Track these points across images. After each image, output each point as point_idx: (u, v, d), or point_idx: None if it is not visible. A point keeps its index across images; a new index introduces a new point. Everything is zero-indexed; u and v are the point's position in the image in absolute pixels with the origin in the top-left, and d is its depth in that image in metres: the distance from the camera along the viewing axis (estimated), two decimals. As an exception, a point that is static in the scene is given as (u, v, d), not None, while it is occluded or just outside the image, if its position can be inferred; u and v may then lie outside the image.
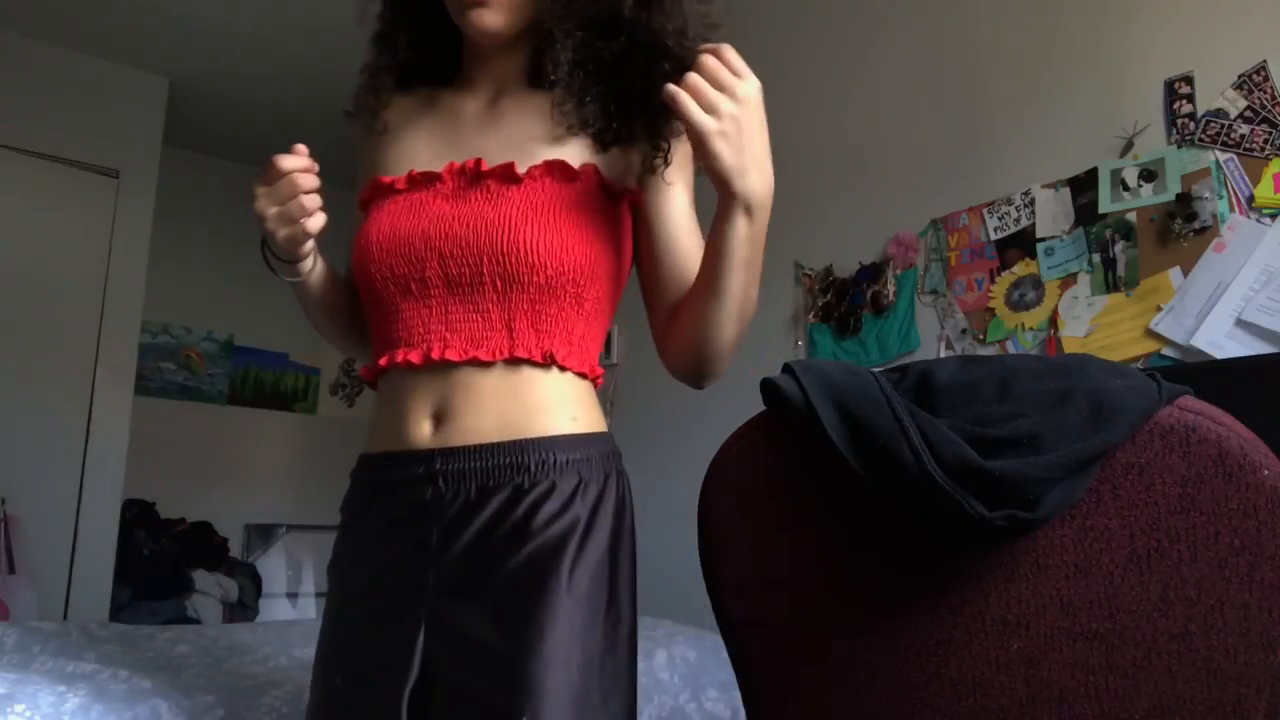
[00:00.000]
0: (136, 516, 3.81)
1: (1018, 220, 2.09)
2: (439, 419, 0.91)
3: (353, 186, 1.06)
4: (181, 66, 3.78)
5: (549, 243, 0.90)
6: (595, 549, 0.88)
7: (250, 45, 3.61)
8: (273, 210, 0.90)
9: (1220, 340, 1.68)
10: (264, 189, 0.90)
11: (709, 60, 0.83)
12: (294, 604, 4.53)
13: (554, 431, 0.91)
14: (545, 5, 0.96)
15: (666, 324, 0.99)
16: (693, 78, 0.82)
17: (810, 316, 2.59)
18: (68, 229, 3.57)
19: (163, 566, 3.69)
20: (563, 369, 0.93)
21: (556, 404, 0.92)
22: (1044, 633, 0.72)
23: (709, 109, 0.81)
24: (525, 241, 0.90)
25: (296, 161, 0.89)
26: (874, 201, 2.46)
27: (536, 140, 0.97)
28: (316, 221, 0.91)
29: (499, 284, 0.90)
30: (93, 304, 3.58)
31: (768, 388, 0.83)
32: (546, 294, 0.91)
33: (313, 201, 0.90)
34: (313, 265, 1.00)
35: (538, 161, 0.94)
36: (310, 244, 0.96)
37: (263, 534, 4.59)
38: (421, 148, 1.02)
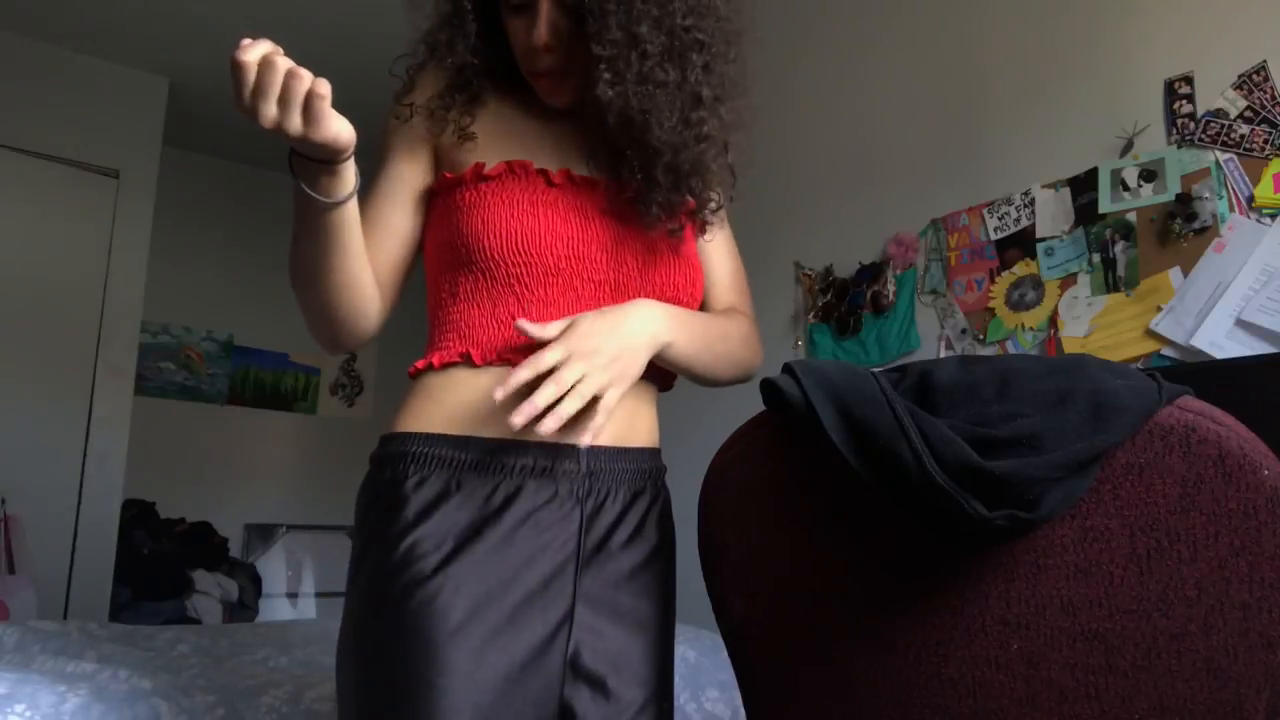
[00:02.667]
0: (136, 516, 3.80)
1: (1018, 220, 2.09)
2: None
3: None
4: (181, 66, 3.77)
5: (695, 279, 1.02)
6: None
7: (250, 45, 3.61)
8: (271, 107, 0.73)
9: (1220, 340, 1.67)
10: (251, 93, 0.73)
11: (524, 373, 0.81)
12: (294, 604, 4.52)
13: (657, 443, 1.02)
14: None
15: None
16: (540, 394, 0.81)
17: (810, 316, 2.59)
18: (68, 229, 3.56)
19: (163, 566, 3.68)
20: (661, 388, 1.04)
21: (655, 416, 1.03)
22: (1044, 633, 0.72)
23: (571, 384, 0.83)
24: (688, 281, 1.01)
25: (259, 47, 0.73)
26: (874, 201, 2.46)
27: None
28: (325, 87, 0.74)
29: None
30: (93, 304, 3.58)
31: (768, 388, 0.83)
32: None
33: (305, 73, 0.74)
34: (356, 175, 0.85)
35: None
36: (346, 134, 0.78)
37: (263, 534, 4.59)
38: (520, 150, 0.98)
